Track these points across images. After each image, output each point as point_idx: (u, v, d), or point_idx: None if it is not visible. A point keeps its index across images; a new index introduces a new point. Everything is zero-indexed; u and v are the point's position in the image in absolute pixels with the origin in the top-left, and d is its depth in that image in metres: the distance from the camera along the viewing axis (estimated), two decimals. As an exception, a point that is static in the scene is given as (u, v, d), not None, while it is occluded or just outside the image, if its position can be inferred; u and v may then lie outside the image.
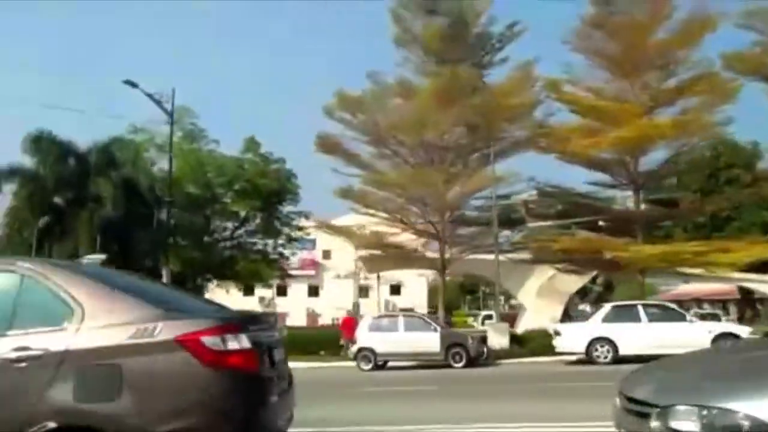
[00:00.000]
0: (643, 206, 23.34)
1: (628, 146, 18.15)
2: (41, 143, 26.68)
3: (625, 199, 24.02)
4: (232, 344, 3.38)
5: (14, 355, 3.31)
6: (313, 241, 47.56)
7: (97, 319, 3.39)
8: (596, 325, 14.23)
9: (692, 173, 25.12)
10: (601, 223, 24.91)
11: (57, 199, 27.30)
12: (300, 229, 32.75)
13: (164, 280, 22.97)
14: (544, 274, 26.80)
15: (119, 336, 3.32)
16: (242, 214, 32.38)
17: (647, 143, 18.76)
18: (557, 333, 14.47)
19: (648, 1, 18.46)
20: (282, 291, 53.37)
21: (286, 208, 32.16)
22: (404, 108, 19.18)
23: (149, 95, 23.46)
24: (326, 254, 55.94)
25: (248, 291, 50.22)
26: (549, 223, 24.87)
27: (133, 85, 22.54)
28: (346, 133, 20.80)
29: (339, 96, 20.30)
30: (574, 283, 28.39)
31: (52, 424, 3.19)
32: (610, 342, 13.79)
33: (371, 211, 20.65)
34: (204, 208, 31.39)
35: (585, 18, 17.04)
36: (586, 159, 19.25)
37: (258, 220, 32.97)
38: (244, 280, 34.20)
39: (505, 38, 20.80)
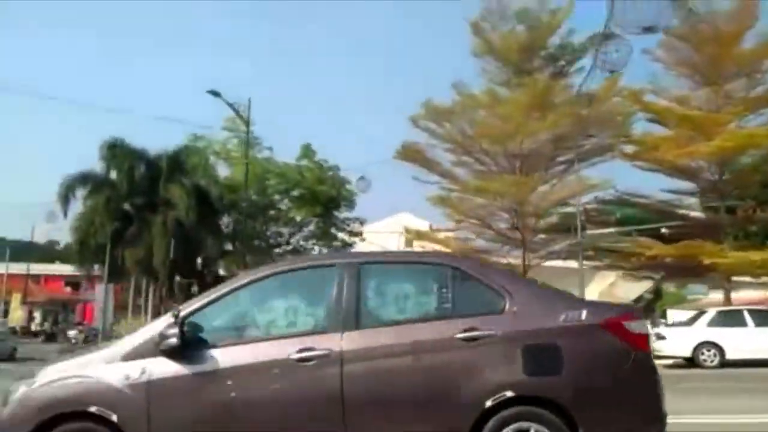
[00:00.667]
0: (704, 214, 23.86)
1: (721, 155, 18.70)
2: (115, 150, 27.58)
3: (689, 206, 24.48)
4: (641, 329, 4.05)
5: (465, 335, 3.95)
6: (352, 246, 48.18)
7: (526, 306, 4.01)
8: (702, 330, 14.61)
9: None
10: (663, 230, 25.38)
11: (129, 205, 28.10)
12: (356, 234, 33.44)
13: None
14: (604, 280, 27.25)
15: (551, 320, 3.95)
16: (298, 219, 33.11)
17: (741, 152, 19.31)
18: (661, 337, 14.88)
19: (732, 12, 19.02)
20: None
21: (342, 214, 32.91)
22: (492, 117, 19.81)
23: (230, 104, 24.33)
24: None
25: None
26: (609, 230, 25.37)
27: (216, 94, 23.40)
28: (431, 142, 21.45)
29: (426, 106, 20.99)
30: (632, 290, 28.82)
31: (509, 393, 3.80)
32: (716, 346, 14.16)
33: (461, 218, 21.27)
34: (262, 214, 32.15)
35: (670, 30, 17.58)
36: (673, 167, 19.80)
37: (312, 226, 33.70)
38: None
39: (584, 48, 21.47)
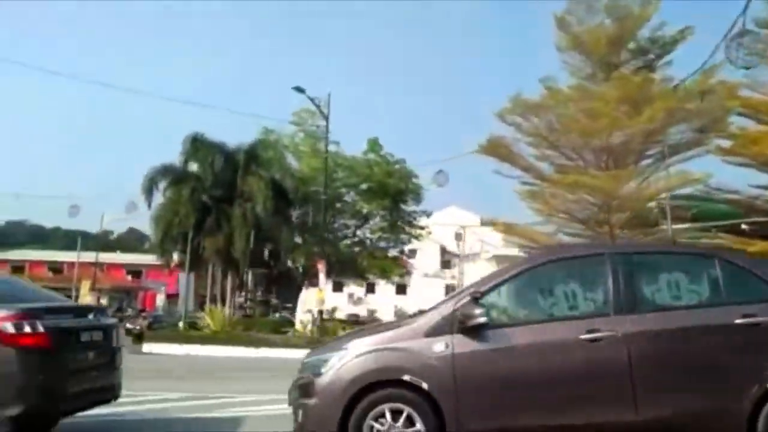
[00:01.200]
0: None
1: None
2: (197, 144, 28.57)
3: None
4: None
5: (745, 321, 4.31)
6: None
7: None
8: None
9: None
10: (744, 227, 25.07)
11: (208, 197, 29.01)
12: (421, 227, 33.86)
13: (321, 276, 24.29)
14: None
15: None
16: (364, 212, 33.65)
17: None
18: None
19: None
20: (371, 289, 54.64)
21: (409, 208, 33.32)
22: (581, 112, 19.87)
23: (311, 99, 24.94)
24: (411, 253, 56.96)
25: (337, 287, 51.80)
26: (691, 225, 25.19)
27: (301, 90, 24.05)
28: (516, 137, 21.61)
29: (515, 100, 21.19)
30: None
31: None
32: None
33: (551, 212, 21.43)
34: (330, 206, 32.78)
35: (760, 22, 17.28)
36: (768, 162, 19.51)
37: (378, 219, 34.21)
38: (366, 276, 35.56)
39: (672, 42, 21.32)
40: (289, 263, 34.27)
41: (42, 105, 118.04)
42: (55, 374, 5.05)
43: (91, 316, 5.81)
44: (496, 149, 21.54)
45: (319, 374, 4.52)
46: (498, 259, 33.84)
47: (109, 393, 5.71)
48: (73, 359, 5.29)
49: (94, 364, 5.54)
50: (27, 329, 4.86)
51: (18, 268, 56.61)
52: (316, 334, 23.11)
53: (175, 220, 27.97)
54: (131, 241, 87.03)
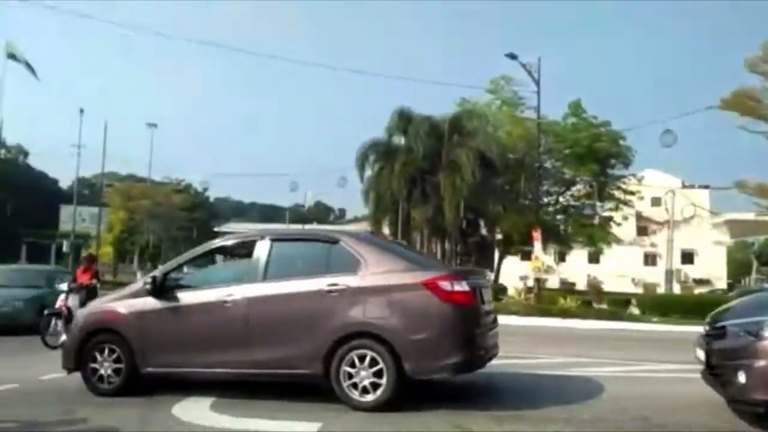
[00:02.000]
0: None
1: None
2: (403, 117, 29.67)
3: None
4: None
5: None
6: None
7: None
8: None
9: None
10: None
11: (416, 169, 30.02)
12: (631, 193, 32.03)
13: (537, 244, 24.08)
14: None
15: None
16: (566, 177, 32.54)
17: None
18: None
19: None
20: (561, 257, 53.01)
21: (618, 172, 31.63)
22: None
23: (523, 65, 24.52)
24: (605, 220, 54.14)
25: (526, 257, 51.04)
26: None
27: (513, 57, 23.79)
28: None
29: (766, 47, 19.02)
30: None
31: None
32: None
33: None
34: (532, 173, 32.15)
35: None
36: None
37: (580, 185, 32.93)
38: (569, 243, 34.64)
39: None
40: (483, 231, 34.47)
41: (267, 89, 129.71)
42: (480, 328, 5.61)
43: (485, 278, 6.36)
44: (741, 102, 19.43)
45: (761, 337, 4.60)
46: (731, 224, 30.77)
47: (497, 350, 6.22)
48: (484, 315, 5.83)
49: (490, 320, 6.07)
50: (460, 287, 5.45)
51: (233, 239, 63.86)
52: (533, 302, 23.16)
53: (387, 192, 29.42)
54: (319, 213, 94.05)
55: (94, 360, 6.14)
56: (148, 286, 6.04)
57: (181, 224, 56.16)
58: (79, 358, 6.20)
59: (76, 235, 39.61)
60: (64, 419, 5.36)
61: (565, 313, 19.51)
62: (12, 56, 33.94)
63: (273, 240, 6.05)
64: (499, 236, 34.04)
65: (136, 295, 6.23)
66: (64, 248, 36.70)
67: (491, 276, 41.21)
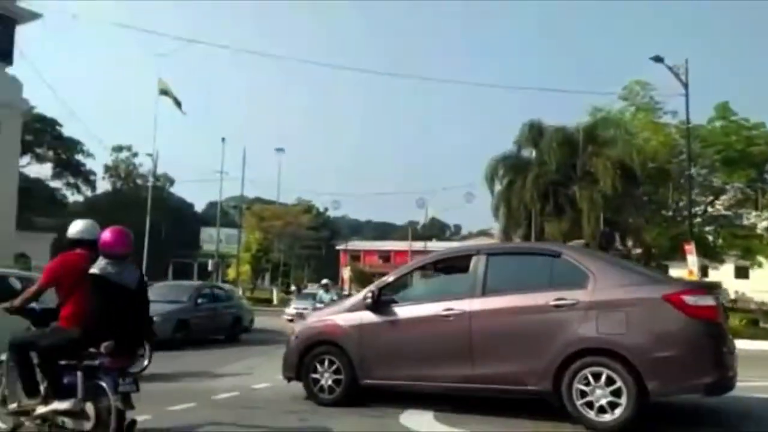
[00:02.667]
0: None
1: None
2: (534, 129, 29.05)
3: None
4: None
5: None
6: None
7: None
8: None
9: None
10: None
11: (549, 181, 29.18)
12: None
13: (690, 258, 22.39)
14: None
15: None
16: (715, 185, 30.07)
17: None
18: None
19: None
20: (704, 272, 48.87)
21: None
22: None
23: (670, 68, 23.12)
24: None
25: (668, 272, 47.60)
26: None
27: (659, 60, 22.50)
28: None
29: None
30: None
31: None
32: None
33: None
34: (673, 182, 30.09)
35: None
36: None
37: (729, 193, 30.29)
38: (720, 257, 31.99)
39: None
40: (619, 246, 32.61)
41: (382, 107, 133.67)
42: (727, 346, 5.21)
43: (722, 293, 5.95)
44: None
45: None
46: None
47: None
48: (727, 333, 5.41)
49: (731, 339, 5.59)
50: (706, 302, 5.07)
51: (355, 256, 65.77)
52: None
53: (519, 206, 28.83)
54: (433, 230, 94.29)
55: (315, 371, 6.42)
56: (368, 301, 6.24)
57: (305, 243, 58.72)
58: (299, 368, 6.52)
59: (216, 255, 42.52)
60: (298, 426, 5.63)
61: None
62: (164, 92, 37.40)
63: (489, 254, 6.04)
64: (637, 250, 32.09)
65: (354, 308, 6.45)
66: (209, 267, 39.45)
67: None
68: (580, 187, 27.68)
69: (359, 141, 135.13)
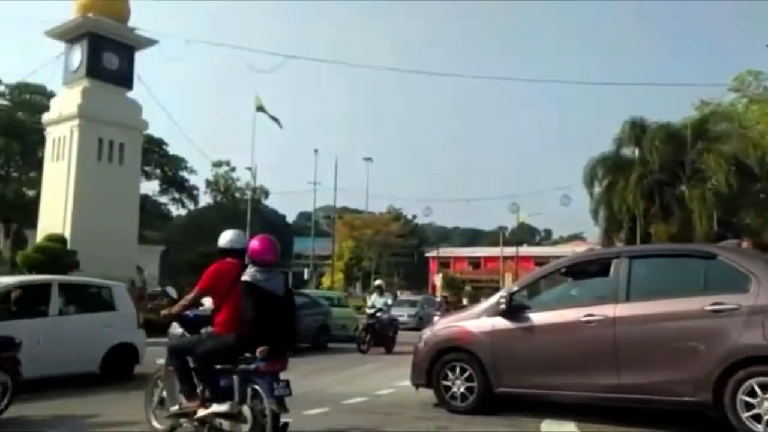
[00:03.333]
0: None
1: None
2: (636, 127, 27.69)
3: None
4: None
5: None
6: None
7: None
8: None
9: None
10: None
11: (654, 180, 27.67)
12: None
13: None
14: None
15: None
16: None
17: None
18: None
19: None
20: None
21: None
22: None
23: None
24: None
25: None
26: None
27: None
28: None
29: None
30: None
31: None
32: None
33: None
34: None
35: None
36: None
37: None
38: None
39: None
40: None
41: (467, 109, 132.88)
42: None
43: None
44: None
45: None
46: None
47: None
48: None
49: None
50: None
51: (444, 263, 65.37)
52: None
53: (621, 208, 27.54)
54: (522, 235, 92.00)
55: (446, 378, 6.35)
56: (501, 306, 6.10)
57: (394, 250, 59.04)
58: (429, 375, 6.47)
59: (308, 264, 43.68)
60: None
61: None
62: (260, 109, 39.01)
63: (632, 257, 5.73)
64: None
65: (485, 314, 6.33)
66: (305, 275, 40.58)
67: None
68: (689, 185, 26.06)
69: (446, 147, 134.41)
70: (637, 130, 27.65)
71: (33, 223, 24.02)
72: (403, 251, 62.53)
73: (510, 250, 52.40)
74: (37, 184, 43.32)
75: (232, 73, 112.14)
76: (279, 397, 4.58)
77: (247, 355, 4.72)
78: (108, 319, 8.42)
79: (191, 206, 55.43)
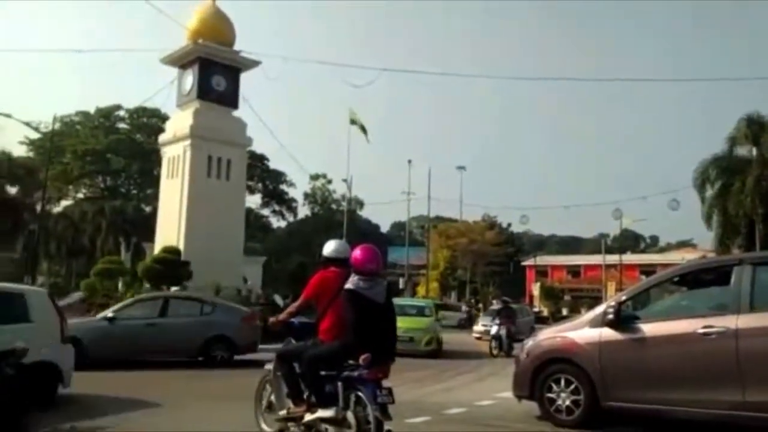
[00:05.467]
0: None
1: None
2: (754, 125, 25.64)
3: None
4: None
5: None
6: None
7: None
8: None
9: None
10: None
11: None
12: None
13: None
14: None
15: None
16: None
17: None
18: None
19: None
20: None
21: None
22: None
23: None
24: None
25: None
26: None
27: None
28: None
29: None
30: None
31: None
32: None
33: None
34: None
35: None
36: None
37: None
38: None
39: None
40: None
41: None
42: None
43: None
44: None
45: None
46: None
47: None
48: None
49: None
50: None
51: (541, 272, 63.41)
52: None
53: (737, 212, 25.51)
54: (625, 242, 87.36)
55: (550, 390, 6.17)
56: (609, 316, 5.86)
57: (489, 259, 57.97)
58: (533, 387, 6.31)
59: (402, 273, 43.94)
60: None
61: None
62: (353, 122, 39.95)
63: (756, 264, 5.32)
64: None
65: (591, 324, 6.11)
66: (400, 285, 40.86)
67: None
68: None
69: (543, 153, 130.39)
70: (754, 128, 25.55)
71: (150, 237, 26.11)
72: (497, 260, 61.36)
73: (613, 258, 49.89)
74: (152, 200, 46.95)
75: (327, 88, 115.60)
76: (382, 404, 4.65)
77: (351, 362, 4.84)
78: (18, 332, 6.37)
79: (290, 218, 57.66)
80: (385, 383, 4.76)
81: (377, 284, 5.02)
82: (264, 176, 52.22)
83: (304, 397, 5.15)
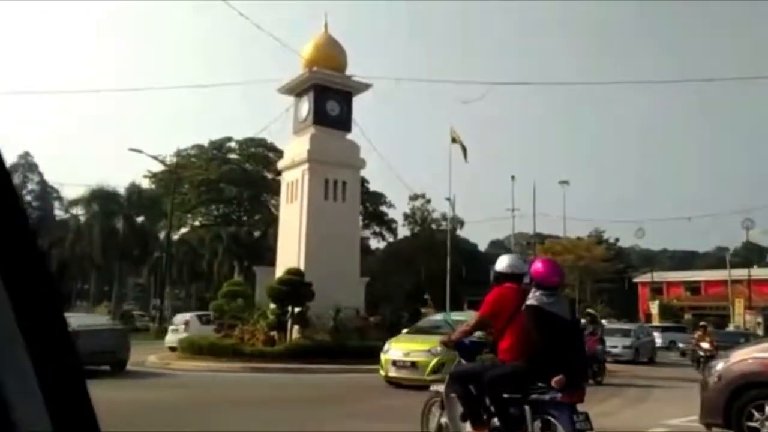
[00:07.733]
0: None
1: None
2: None
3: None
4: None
5: None
6: None
7: None
8: None
9: None
10: None
11: None
12: None
13: None
14: None
15: None
16: None
17: None
18: None
19: None
20: None
21: None
22: None
23: None
24: None
25: None
26: None
27: None
28: None
29: None
30: None
31: None
32: None
33: None
34: None
35: None
36: None
37: None
38: None
39: None
40: None
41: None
42: None
43: None
44: None
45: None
46: None
47: None
48: None
49: None
50: None
51: (656, 289, 59.54)
52: None
53: None
54: (748, 256, 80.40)
55: (750, 418, 5.56)
56: None
57: (598, 276, 55.24)
58: (727, 414, 5.73)
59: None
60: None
61: None
62: (454, 140, 39.72)
63: None
64: None
65: None
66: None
67: None
68: None
69: (656, 164, 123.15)
70: None
71: (260, 260, 27.00)
72: (607, 277, 58.41)
73: (739, 273, 46.00)
74: (261, 225, 49.04)
75: (424, 107, 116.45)
76: (581, 431, 4.37)
77: (540, 384, 4.60)
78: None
79: (390, 239, 58.02)
80: (580, 407, 4.48)
81: (560, 299, 4.78)
82: (365, 198, 53.18)
83: (484, 419, 4.96)
